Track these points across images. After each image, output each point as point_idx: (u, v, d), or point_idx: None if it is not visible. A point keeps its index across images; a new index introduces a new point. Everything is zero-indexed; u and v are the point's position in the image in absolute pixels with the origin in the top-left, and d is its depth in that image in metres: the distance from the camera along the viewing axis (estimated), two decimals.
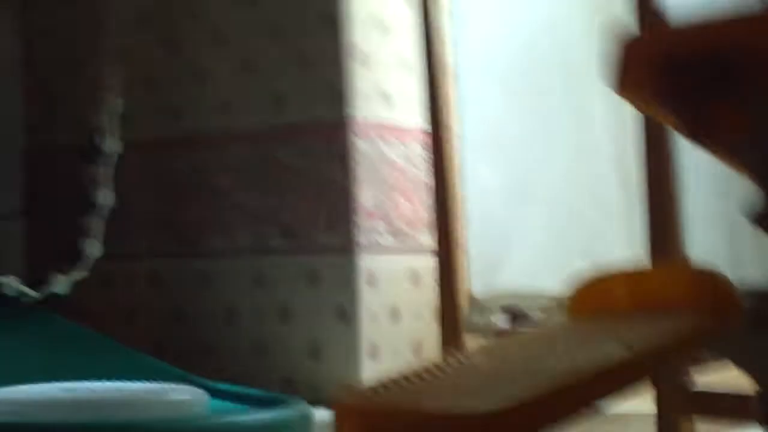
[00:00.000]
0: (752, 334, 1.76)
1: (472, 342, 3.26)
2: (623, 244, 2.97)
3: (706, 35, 1.41)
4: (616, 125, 2.94)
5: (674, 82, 1.40)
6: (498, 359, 1.49)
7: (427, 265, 3.34)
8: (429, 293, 3.38)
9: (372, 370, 3.41)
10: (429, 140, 3.18)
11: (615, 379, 1.32)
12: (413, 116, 3.45)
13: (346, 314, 3.41)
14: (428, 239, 3.38)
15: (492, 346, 1.69)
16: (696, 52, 1.39)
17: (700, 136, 1.45)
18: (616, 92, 1.50)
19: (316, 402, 3.10)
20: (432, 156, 3.19)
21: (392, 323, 3.47)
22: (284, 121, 3.52)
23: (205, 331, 3.63)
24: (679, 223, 2.75)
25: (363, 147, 3.40)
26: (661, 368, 1.53)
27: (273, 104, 3.55)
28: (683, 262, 2.75)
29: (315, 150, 3.46)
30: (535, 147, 3.08)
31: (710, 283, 1.65)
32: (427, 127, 3.15)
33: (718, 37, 1.40)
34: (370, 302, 3.41)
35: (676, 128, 1.52)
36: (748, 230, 2.53)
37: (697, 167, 2.52)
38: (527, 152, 3.09)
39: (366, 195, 3.40)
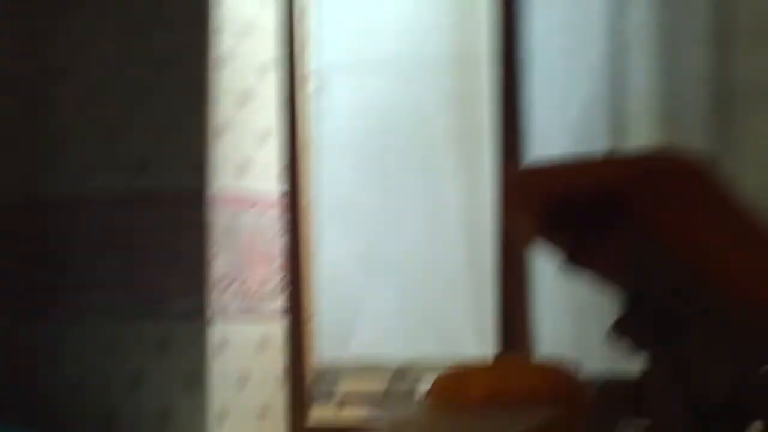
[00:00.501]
0: (598, 420, 1.89)
1: (317, 410, 3.35)
2: (470, 319, 3.10)
3: (587, 176, 1.58)
4: (469, 205, 3.09)
5: (558, 217, 1.56)
6: None
7: (277, 331, 3.41)
8: (277, 359, 3.45)
9: None
10: (284, 209, 3.28)
11: None
12: (269, 186, 3.54)
13: (195, 380, 3.45)
14: (279, 306, 3.45)
15: None
16: (577, 192, 1.55)
17: (579, 263, 1.60)
18: (502, 222, 1.66)
19: None
20: (286, 225, 3.29)
21: (240, 389, 3.52)
22: (142, 188, 3.56)
23: (54, 398, 3.61)
24: (529, 308, 2.91)
25: (218, 216, 3.47)
26: None
27: (132, 171, 3.59)
28: (532, 356, 2.91)
29: (171, 218, 3.50)
30: (387, 220, 3.20)
31: (559, 376, 1.79)
32: (283, 196, 3.25)
33: (598, 178, 1.57)
34: (220, 368, 3.46)
35: (555, 253, 1.66)
36: (595, 317, 2.72)
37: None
38: (379, 224, 3.21)
39: (219, 263, 3.46)
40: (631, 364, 1.80)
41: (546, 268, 2.79)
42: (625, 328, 1.68)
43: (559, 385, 1.79)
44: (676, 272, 1.63)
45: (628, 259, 1.59)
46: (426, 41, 3.17)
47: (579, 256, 1.62)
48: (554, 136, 2.97)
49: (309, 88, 3.26)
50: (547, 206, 1.60)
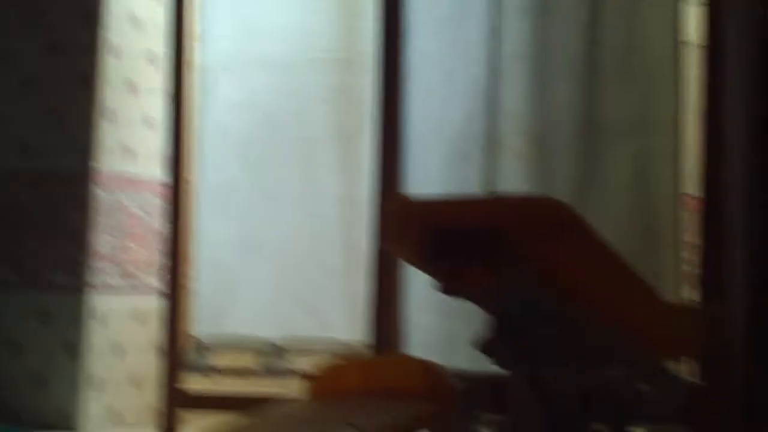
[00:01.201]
0: (464, 414, 2.05)
1: (192, 381, 3.43)
2: (343, 305, 3.22)
3: (469, 213, 1.73)
4: (347, 196, 3.22)
5: (433, 246, 1.71)
6: None
7: (155, 306, 3.53)
8: (155, 332, 3.57)
9: (96, 402, 3.56)
10: (166, 192, 3.35)
11: None
12: (153, 170, 3.65)
13: (73, 349, 3.54)
14: (156, 282, 3.55)
15: (238, 426, 1.87)
16: (452, 225, 1.70)
17: (453, 290, 1.76)
18: (382, 246, 1.79)
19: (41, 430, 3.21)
20: (168, 206, 3.37)
21: (117, 359, 3.62)
22: (29, 168, 3.64)
23: None
24: (399, 304, 3.01)
25: (102, 196, 3.56)
26: None
27: (18, 152, 3.67)
28: (403, 349, 3.01)
29: (55, 197, 3.59)
30: (267, 207, 3.28)
31: (430, 373, 1.93)
32: (166, 180, 3.32)
33: (479, 215, 1.72)
34: (98, 339, 3.56)
35: (432, 278, 1.80)
36: (463, 317, 2.82)
37: None
38: (259, 211, 3.30)
39: (101, 240, 3.56)
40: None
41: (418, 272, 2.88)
42: (491, 350, 1.83)
43: (430, 381, 1.92)
44: (543, 297, 1.79)
45: (502, 287, 1.74)
46: (310, 42, 3.27)
47: (457, 283, 1.75)
48: (431, 147, 3.08)
49: (195, 81, 3.32)
50: (426, 236, 1.73)
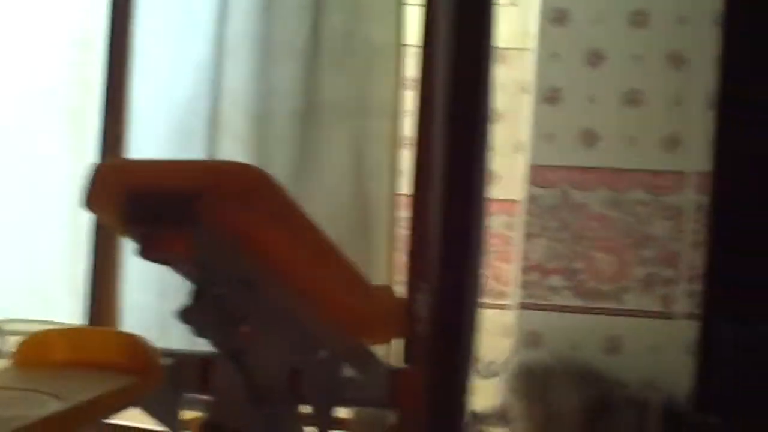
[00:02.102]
0: (167, 392, 2.05)
1: None
2: (64, 284, 3.20)
3: (166, 176, 1.72)
4: (72, 175, 3.15)
5: (130, 210, 1.69)
6: None
7: None
8: None
9: None
10: None
11: (48, 428, 1.52)
12: None
13: None
14: None
15: None
16: (147, 188, 1.68)
17: (151, 255, 1.73)
18: (85, 209, 1.76)
19: None
20: None
21: None
22: None
23: None
24: (117, 280, 3.00)
25: None
26: (92, 420, 1.71)
27: None
28: (116, 326, 3.00)
29: None
30: None
31: (136, 348, 1.92)
32: None
33: (167, 176, 1.71)
34: None
35: (133, 243, 1.77)
36: (176, 295, 2.82)
37: None
38: None
39: None
40: (204, 344, 1.97)
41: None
42: (189, 318, 1.82)
43: (135, 355, 1.88)
44: (240, 266, 1.80)
45: (197, 252, 1.72)
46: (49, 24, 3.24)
47: (153, 247, 1.73)
48: (157, 125, 3.08)
49: None
50: (126, 200, 1.71)
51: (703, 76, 3.31)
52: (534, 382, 3.19)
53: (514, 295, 3.52)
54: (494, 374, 3.45)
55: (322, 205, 2.79)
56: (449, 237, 2.14)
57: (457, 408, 2.23)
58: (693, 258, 3.39)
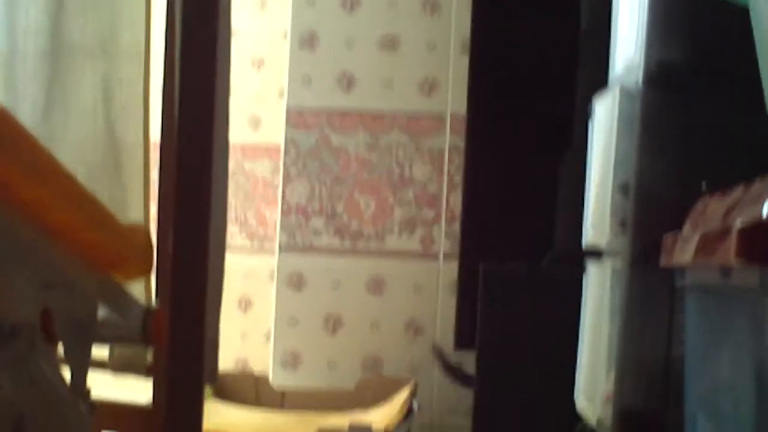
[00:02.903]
0: None
1: None
2: None
3: None
4: None
5: None
6: None
7: None
8: None
9: None
10: None
11: None
12: None
13: None
14: None
15: None
16: None
17: None
18: None
19: None
20: None
21: None
22: None
23: None
24: None
25: None
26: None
27: None
28: None
29: None
30: None
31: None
32: None
33: None
34: None
35: None
36: None
37: None
38: None
39: None
40: None
41: None
42: None
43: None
44: None
45: None
46: None
47: None
48: None
49: None
50: None
51: (457, 22, 3.40)
52: None
53: (276, 238, 3.56)
54: None
55: (71, 146, 2.76)
56: (187, 179, 2.17)
57: (200, 346, 2.25)
58: (452, 200, 3.50)
